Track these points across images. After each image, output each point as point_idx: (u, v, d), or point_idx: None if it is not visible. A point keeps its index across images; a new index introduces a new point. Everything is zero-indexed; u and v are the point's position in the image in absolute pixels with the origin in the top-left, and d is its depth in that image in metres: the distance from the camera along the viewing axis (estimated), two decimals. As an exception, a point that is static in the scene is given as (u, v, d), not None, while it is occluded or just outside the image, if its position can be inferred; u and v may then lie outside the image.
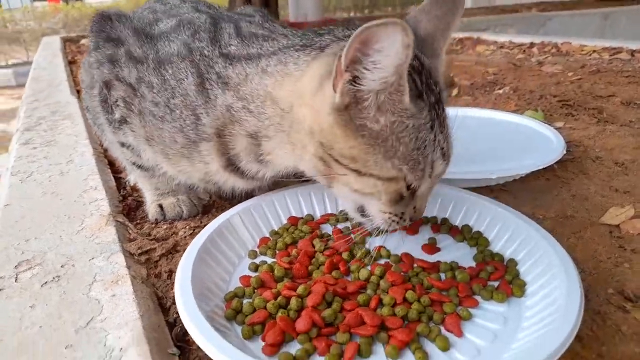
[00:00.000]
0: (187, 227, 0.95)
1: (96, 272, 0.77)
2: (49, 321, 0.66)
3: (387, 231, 0.81)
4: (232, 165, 0.85)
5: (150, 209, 1.00)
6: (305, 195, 0.99)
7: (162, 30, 0.87)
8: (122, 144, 0.95)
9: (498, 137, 1.38)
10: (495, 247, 0.85)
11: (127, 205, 1.08)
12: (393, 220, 0.77)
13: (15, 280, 0.76)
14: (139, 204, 1.08)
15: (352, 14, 11.67)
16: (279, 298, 0.69)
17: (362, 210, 0.80)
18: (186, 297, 0.65)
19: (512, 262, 0.79)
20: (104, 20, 0.91)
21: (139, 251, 0.85)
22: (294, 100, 0.74)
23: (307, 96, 0.72)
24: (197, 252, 0.76)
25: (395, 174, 0.70)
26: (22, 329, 0.65)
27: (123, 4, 11.25)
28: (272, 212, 0.94)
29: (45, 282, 0.75)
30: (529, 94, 1.86)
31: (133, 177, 1.13)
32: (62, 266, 0.79)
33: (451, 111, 1.48)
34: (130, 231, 0.95)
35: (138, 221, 1.03)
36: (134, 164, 0.98)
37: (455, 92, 1.98)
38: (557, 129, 1.52)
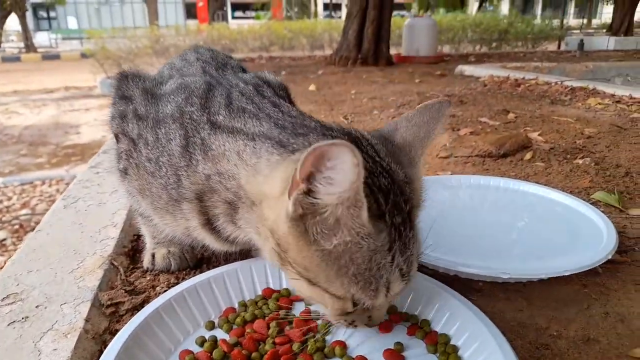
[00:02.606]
0: (167, 282, 0.97)
1: (57, 319, 0.82)
2: (-11, 366, 0.71)
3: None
4: (210, 224, 0.86)
5: (145, 257, 1.04)
6: (288, 267, 0.95)
7: (166, 91, 0.92)
8: (127, 191, 1.01)
9: (536, 223, 1.21)
10: (465, 371, 0.74)
11: (137, 246, 1.14)
12: (343, 324, 0.73)
13: (-7, 314, 0.83)
14: (146, 246, 1.13)
15: (478, 48, 11.32)
16: (196, 387, 0.67)
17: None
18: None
19: (472, 396, 0.68)
20: (123, 79, 0.98)
21: (109, 302, 0.89)
22: (262, 198, 0.73)
23: (271, 198, 0.70)
24: (143, 319, 0.76)
25: (343, 294, 0.66)
26: (-36, 370, 0.70)
27: (258, 29, 12.16)
28: (248, 281, 0.93)
29: (13, 322, 0.81)
30: (613, 169, 1.62)
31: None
32: (36, 306, 0.86)
33: (485, 181, 1.37)
34: (119, 276, 0.99)
35: (139, 264, 1.07)
36: (136, 210, 1.03)
37: (528, 155, 1.79)
38: (633, 217, 1.30)
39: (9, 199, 4.31)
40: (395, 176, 0.69)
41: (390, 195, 0.66)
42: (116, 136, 0.97)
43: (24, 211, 4.00)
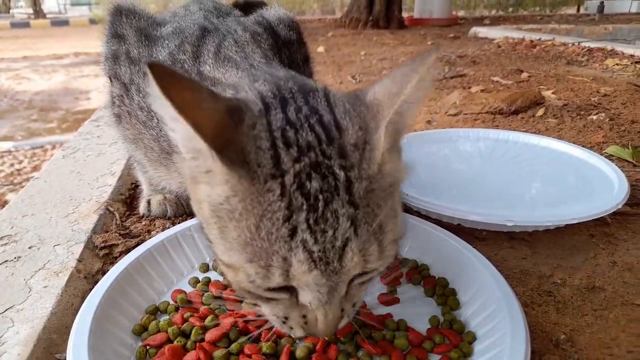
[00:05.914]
0: (162, 227, 0.96)
1: (50, 259, 0.81)
2: (-20, 301, 0.70)
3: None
4: None
5: (141, 203, 1.03)
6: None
7: (162, 34, 0.87)
8: (122, 136, 0.98)
9: (544, 174, 1.17)
10: (463, 314, 0.71)
11: (135, 194, 1.13)
12: (275, 322, 0.57)
13: (-14, 254, 0.82)
14: (144, 194, 1.11)
15: (494, 12, 10.99)
16: (185, 324, 0.66)
17: None
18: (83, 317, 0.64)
19: (469, 337, 0.66)
20: (117, 14, 0.92)
21: (103, 244, 0.87)
22: None
23: None
24: (135, 258, 0.75)
25: (228, 260, 0.51)
26: (-46, 304, 0.70)
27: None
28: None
29: (6, 261, 0.80)
30: (628, 124, 1.56)
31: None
32: (29, 247, 0.85)
33: (494, 134, 1.32)
34: (115, 221, 0.98)
35: (136, 211, 1.06)
36: (132, 156, 1.00)
37: (540, 112, 1.73)
38: (646, 172, 1.25)
39: (20, 162, 4.33)
40: (338, 137, 0.52)
41: (311, 154, 0.50)
42: (110, 79, 0.93)
43: (34, 174, 4.03)
